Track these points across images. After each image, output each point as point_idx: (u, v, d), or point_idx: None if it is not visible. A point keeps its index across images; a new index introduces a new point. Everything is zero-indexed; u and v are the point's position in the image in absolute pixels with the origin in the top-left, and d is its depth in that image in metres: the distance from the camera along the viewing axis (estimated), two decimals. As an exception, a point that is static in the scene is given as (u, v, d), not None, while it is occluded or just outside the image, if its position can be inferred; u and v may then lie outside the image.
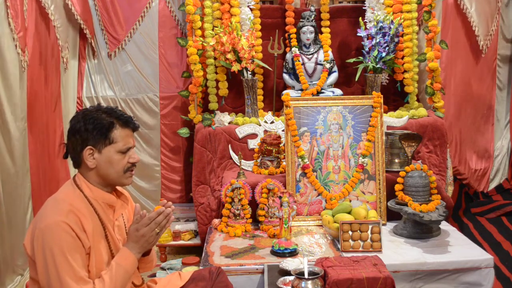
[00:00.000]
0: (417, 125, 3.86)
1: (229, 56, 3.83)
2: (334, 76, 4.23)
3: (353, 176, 3.41)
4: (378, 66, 3.96)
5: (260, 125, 3.91)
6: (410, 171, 3.19)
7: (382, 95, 3.48)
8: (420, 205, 2.97)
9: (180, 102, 4.38)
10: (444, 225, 3.22)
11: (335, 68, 4.25)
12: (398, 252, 2.84)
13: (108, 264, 1.82)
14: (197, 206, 3.68)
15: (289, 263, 2.53)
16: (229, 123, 3.93)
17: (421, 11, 4.09)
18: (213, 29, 4.04)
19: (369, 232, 2.88)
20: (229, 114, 4.06)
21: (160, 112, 4.38)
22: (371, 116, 3.45)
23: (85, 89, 4.33)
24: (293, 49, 4.19)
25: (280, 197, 3.15)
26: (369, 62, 3.97)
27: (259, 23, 4.21)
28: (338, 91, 4.12)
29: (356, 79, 4.09)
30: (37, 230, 1.70)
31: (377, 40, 3.92)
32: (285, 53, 4.29)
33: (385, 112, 3.90)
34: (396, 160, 3.53)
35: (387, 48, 3.93)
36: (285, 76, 4.26)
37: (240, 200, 3.29)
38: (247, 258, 2.76)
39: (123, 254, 1.82)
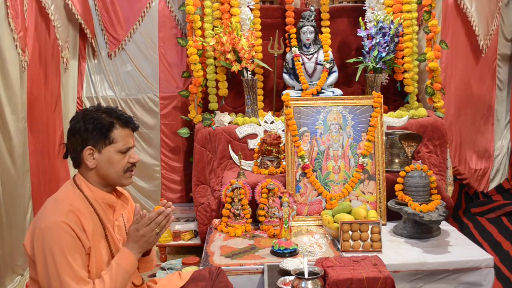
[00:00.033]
0: (417, 125, 3.86)
1: (229, 56, 3.83)
2: (334, 76, 4.23)
3: (353, 176, 3.41)
4: (378, 66, 3.96)
5: (260, 125, 3.91)
6: (410, 171, 3.19)
7: (382, 95, 3.48)
8: (420, 205, 2.97)
9: (180, 102, 4.38)
10: (444, 225, 3.22)
11: (335, 68, 4.25)
12: (398, 252, 2.84)
13: (108, 264, 1.82)
14: (197, 206, 3.68)
15: (289, 263, 2.53)
16: (229, 123, 3.93)
17: (421, 11, 4.09)
18: (213, 29, 4.04)
19: (369, 232, 2.88)
20: (229, 114, 4.06)
21: (160, 112, 4.38)
22: (371, 116, 3.45)
23: (85, 89, 4.33)
24: (293, 49, 4.19)
25: (280, 197, 3.15)
26: (369, 62, 3.97)
27: (259, 23, 4.21)
28: (338, 91, 4.12)
29: (356, 79, 4.09)
30: (37, 230, 1.70)
31: (377, 40, 3.92)
32: (285, 53, 4.29)
33: (385, 112, 3.90)
34: (396, 160, 3.53)
35: (387, 48, 3.93)
36: (285, 76, 4.26)
37: (240, 200, 3.29)
38: (247, 258, 2.76)
39: (123, 254, 1.82)
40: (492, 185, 4.72)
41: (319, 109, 3.47)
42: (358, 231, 2.89)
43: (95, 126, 1.81)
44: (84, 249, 1.73)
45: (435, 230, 3.07)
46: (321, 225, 3.27)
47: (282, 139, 3.64)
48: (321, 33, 4.31)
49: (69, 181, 1.89)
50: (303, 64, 4.16)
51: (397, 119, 3.88)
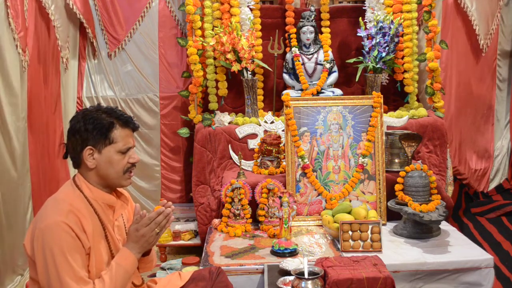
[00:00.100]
0: (417, 125, 3.86)
1: (229, 56, 3.83)
2: (334, 76, 4.23)
3: (353, 176, 3.41)
4: (378, 66, 3.96)
5: (260, 125, 3.91)
6: (410, 171, 3.19)
7: (382, 95, 3.48)
8: (420, 205, 2.97)
9: (180, 102, 4.38)
10: (444, 225, 3.22)
11: (335, 68, 4.25)
12: (398, 252, 2.84)
13: (108, 264, 1.82)
14: (197, 206, 3.68)
15: (289, 263, 2.53)
16: (229, 123, 3.93)
17: (421, 11, 4.09)
18: (213, 29, 4.04)
19: (369, 232, 2.88)
20: (229, 114, 4.06)
21: (160, 112, 4.39)
22: (371, 116, 3.45)
23: (85, 89, 4.33)
24: (293, 49, 4.19)
25: (280, 197, 3.15)
26: (369, 62, 3.97)
27: (259, 23, 4.21)
28: (338, 91, 4.12)
29: (356, 79, 4.09)
30: (37, 230, 1.70)
31: (377, 40, 3.92)
32: (285, 53, 4.29)
33: (385, 112, 3.90)
34: (396, 160, 3.53)
35: (387, 48, 3.93)
36: (285, 76, 4.26)
37: (240, 200, 3.29)
38: (247, 258, 2.76)
39: (123, 254, 1.82)
40: (492, 185, 4.72)
41: (319, 109, 3.47)
42: (358, 231, 2.89)
43: (95, 126, 1.81)
44: (84, 249, 1.73)
45: (435, 230, 3.07)
46: (321, 225, 3.27)
47: (282, 139, 3.64)
48: (321, 33, 4.31)
49: (69, 181, 1.89)
50: (303, 64, 4.16)
51: (397, 119, 3.88)
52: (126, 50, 4.35)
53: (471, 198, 4.57)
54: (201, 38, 4.02)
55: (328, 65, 4.18)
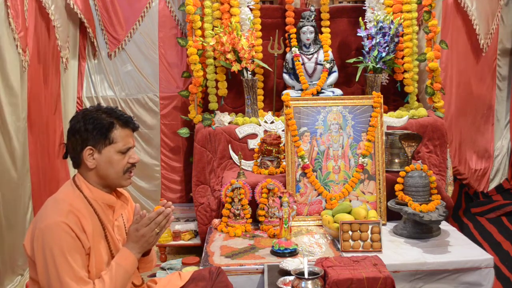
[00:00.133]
0: (417, 125, 3.86)
1: (229, 56, 3.83)
2: (334, 76, 4.23)
3: (353, 176, 3.41)
4: (378, 66, 3.96)
5: (260, 125, 3.91)
6: (410, 171, 3.19)
7: (382, 95, 3.48)
8: (420, 205, 2.97)
9: (180, 102, 4.38)
10: (444, 225, 3.22)
11: (335, 68, 4.25)
12: (398, 252, 2.84)
13: (108, 264, 1.82)
14: (197, 206, 3.68)
15: (289, 263, 2.53)
16: (229, 123, 3.93)
17: (421, 11, 4.09)
18: (213, 29, 4.04)
19: (369, 232, 2.88)
20: (229, 114, 4.06)
21: (160, 112, 4.39)
22: (371, 116, 3.45)
23: (85, 89, 4.33)
24: (293, 49, 4.19)
25: (280, 197, 3.15)
26: (369, 62, 3.97)
27: (259, 23, 4.21)
28: (338, 91, 4.12)
29: (356, 79, 4.09)
30: (37, 231, 1.70)
31: (377, 40, 3.92)
32: (285, 53, 4.29)
33: (385, 112, 3.90)
34: (396, 160, 3.53)
35: (387, 48, 3.93)
36: (285, 76, 4.26)
37: (240, 200, 3.29)
38: (247, 258, 2.76)
39: (123, 254, 1.82)
40: (492, 185, 4.72)
41: (319, 109, 3.47)
42: (358, 231, 2.89)
43: (95, 126, 1.81)
44: (84, 250, 1.73)
45: (435, 230, 3.07)
46: (321, 225, 3.27)
47: (282, 139, 3.64)
48: (321, 33, 4.31)
49: (68, 181, 1.89)
50: (303, 64, 4.16)
51: (397, 119, 3.88)
52: (126, 50, 4.35)
53: (471, 198, 4.57)
54: (201, 38, 4.02)
55: (328, 65, 4.18)
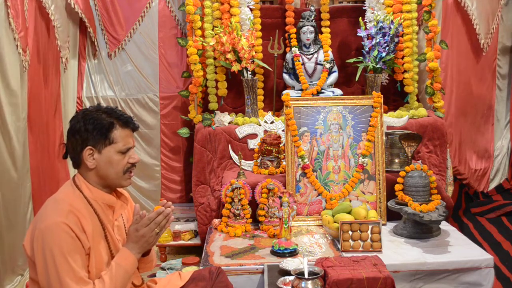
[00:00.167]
0: (417, 125, 3.86)
1: (229, 56, 3.83)
2: (334, 76, 4.23)
3: (353, 176, 3.41)
4: (378, 66, 3.96)
5: (260, 125, 3.91)
6: (410, 171, 3.19)
7: (382, 95, 3.48)
8: (420, 205, 2.97)
9: (180, 102, 4.38)
10: (444, 225, 3.22)
11: (335, 68, 4.25)
12: (398, 252, 2.84)
13: (108, 264, 1.82)
14: (197, 206, 3.68)
15: (289, 263, 2.53)
16: (229, 123, 3.93)
17: (421, 11, 4.09)
18: (213, 29, 4.04)
19: (369, 232, 2.88)
20: (229, 114, 4.06)
21: (160, 112, 4.39)
22: (371, 116, 3.45)
23: (85, 89, 4.33)
24: (293, 49, 4.19)
25: (280, 197, 3.15)
26: (369, 62, 3.97)
27: (259, 23, 4.21)
28: (338, 91, 4.12)
29: (356, 79, 4.09)
30: (37, 231, 1.70)
31: (377, 40, 3.92)
32: (285, 53, 4.29)
33: (385, 112, 3.90)
34: (396, 160, 3.53)
35: (387, 48, 3.93)
36: (285, 76, 4.26)
37: (240, 200, 3.29)
38: (247, 258, 2.76)
39: (123, 254, 1.82)
40: (492, 185, 4.72)
41: (319, 109, 3.47)
42: (358, 231, 2.89)
43: (95, 126, 1.81)
44: (84, 250, 1.73)
45: (435, 230, 3.07)
46: (321, 225, 3.27)
47: (282, 139, 3.63)
48: (321, 33, 4.31)
49: (68, 181, 1.89)
50: (303, 64, 4.16)
51: (397, 119, 3.88)
52: (126, 50, 4.35)
53: (471, 198, 4.57)
54: (201, 38, 4.02)
55: (328, 65, 4.18)
